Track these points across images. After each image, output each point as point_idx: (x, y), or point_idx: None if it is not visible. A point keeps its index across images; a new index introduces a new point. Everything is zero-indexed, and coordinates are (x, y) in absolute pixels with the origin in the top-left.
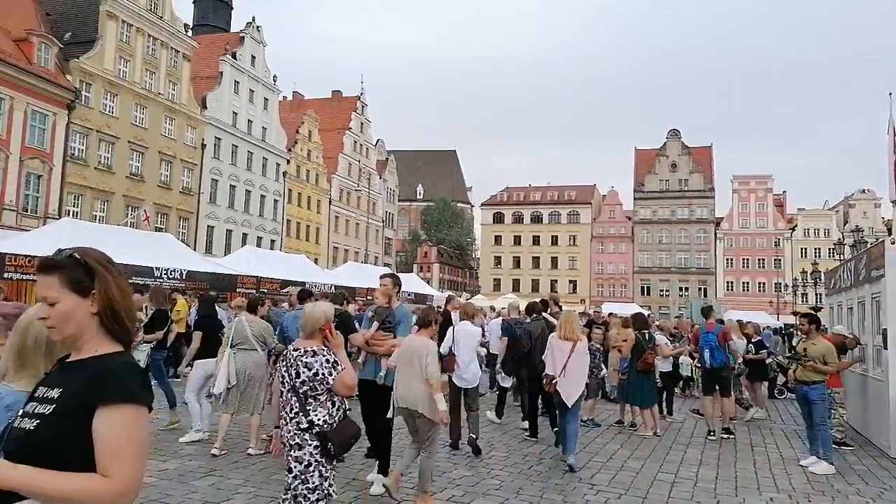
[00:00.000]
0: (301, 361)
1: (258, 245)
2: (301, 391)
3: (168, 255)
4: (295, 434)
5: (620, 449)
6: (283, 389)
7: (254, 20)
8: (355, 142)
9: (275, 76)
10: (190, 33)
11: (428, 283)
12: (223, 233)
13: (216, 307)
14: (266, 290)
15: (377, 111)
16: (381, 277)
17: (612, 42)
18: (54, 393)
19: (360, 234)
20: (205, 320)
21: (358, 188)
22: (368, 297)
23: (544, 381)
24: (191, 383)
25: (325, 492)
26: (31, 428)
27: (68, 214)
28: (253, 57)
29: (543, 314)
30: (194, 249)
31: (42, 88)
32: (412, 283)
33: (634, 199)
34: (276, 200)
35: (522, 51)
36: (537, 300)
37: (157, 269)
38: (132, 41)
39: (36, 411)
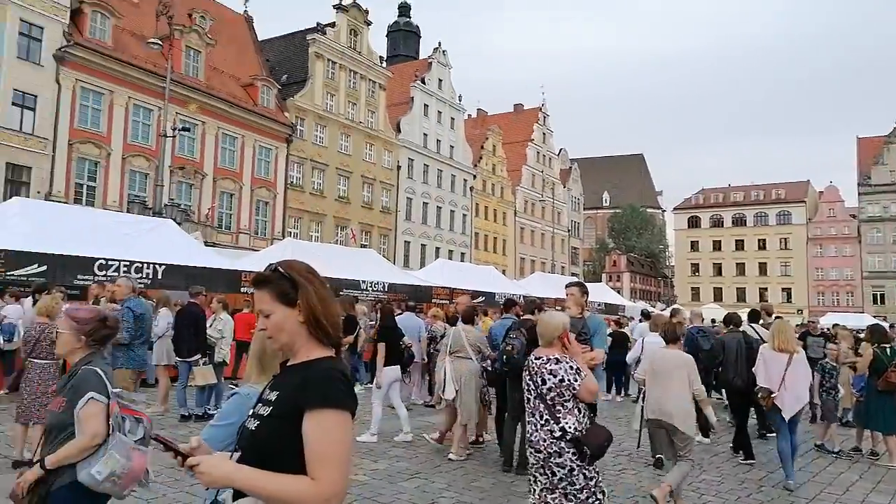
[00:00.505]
0: (545, 369)
1: (449, 258)
2: (548, 398)
3: (372, 269)
4: (550, 442)
5: (859, 480)
6: (528, 397)
7: (440, 45)
8: (538, 153)
9: (460, 96)
10: (384, 64)
11: (618, 292)
12: (418, 247)
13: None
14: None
15: (559, 121)
16: (568, 287)
17: (823, 16)
18: (272, 396)
19: (545, 244)
20: (386, 331)
21: (542, 198)
22: (558, 307)
23: (759, 396)
24: (379, 391)
25: (593, 490)
26: (253, 428)
27: (290, 235)
28: (440, 80)
29: (748, 325)
30: (394, 263)
31: (265, 126)
32: (602, 292)
33: (859, 194)
34: (464, 215)
35: (719, 42)
36: (737, 311)
37: (363, 281)
38: (336, 77)
39: (258, 412)
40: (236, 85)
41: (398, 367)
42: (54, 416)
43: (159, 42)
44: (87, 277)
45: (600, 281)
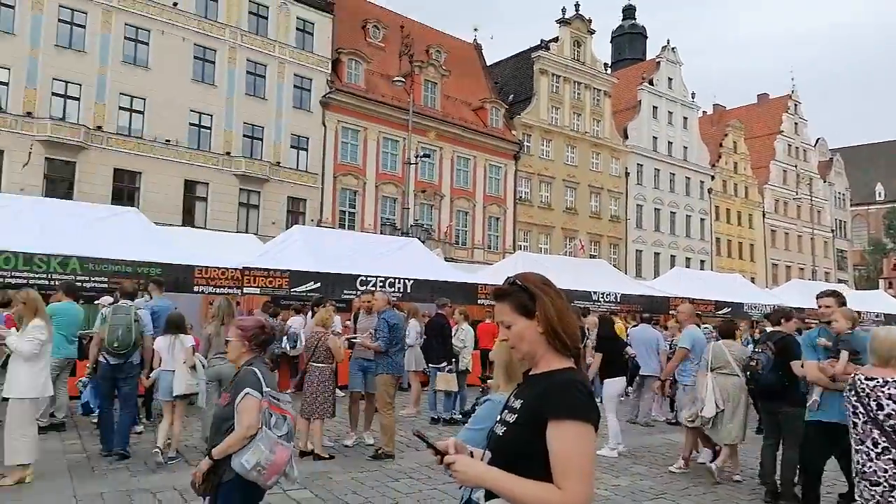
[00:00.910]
0: (882, 392)
1: (686, 266)
2: (887, 424)
3: (603, 279)
4: (894, 473)
5: None
6: (855, 422)
7: (668, 43)
8: (789, 145)
9: (693, 93)
10: (608, 71)
11: None
12: (651, 256)
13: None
14: (700, 312)
15: (814, 108)
16: (821, 297)
17: None
18: (517, 404)
19: (803, 247)
20: (604, 342)
21: (797, 196)
22: (808, 319)
23: None
24: (608, 403)
25: None
26: (501, 433)
27: (520, 248)
28: (669, 79)
29: None
30: (625, 273)
31: (494, 145)
32: (879, 302)
33: None
34: (702, 219)
35: None
36: None
37: (595, 293)
38: (560, 90)
39: (505, 419)
40: (468, 109)
41: (622, 378)
42: (220, 409)
43: (402, 79)
44: (351, 292)
45: (876, 288)
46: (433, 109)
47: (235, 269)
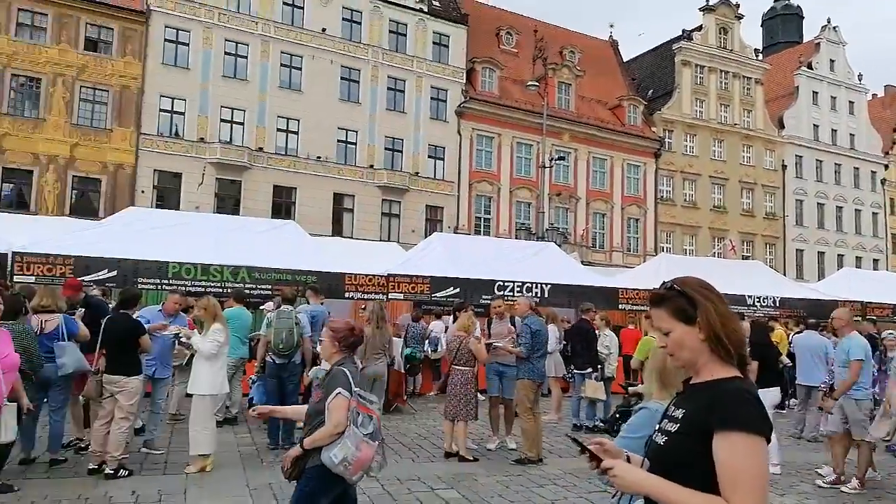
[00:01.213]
0: None
1: (857, 266)
2: None
3: (759, 282)
4: None
5: None
6: None
7: (829, 22)
8: None
9: (859, 75)
10: (760, 57)
11: None
12: (814, 256)
13: None
14: (875, 318)
15: None
16: None
17: None
18: (678, 413)
19: None
20: (757, 348)
21: None
22: None
23: None
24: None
25: None
26: (661, 443)
27: (662, 250)
28: (831, 61)
29: None
30: (784, 275)
31: (632, 144)
32: None
33: None
34: (874, 214)
35: None
36: None
37: (749, 297)
38: (705, 81)
39: (665, 428)
40: (604, 109)
41: (776, 389)
42: (312, 405)
43: (536, 83)
44: (488, 297)
45: None
46: (567, 111)
47: (381, 276)
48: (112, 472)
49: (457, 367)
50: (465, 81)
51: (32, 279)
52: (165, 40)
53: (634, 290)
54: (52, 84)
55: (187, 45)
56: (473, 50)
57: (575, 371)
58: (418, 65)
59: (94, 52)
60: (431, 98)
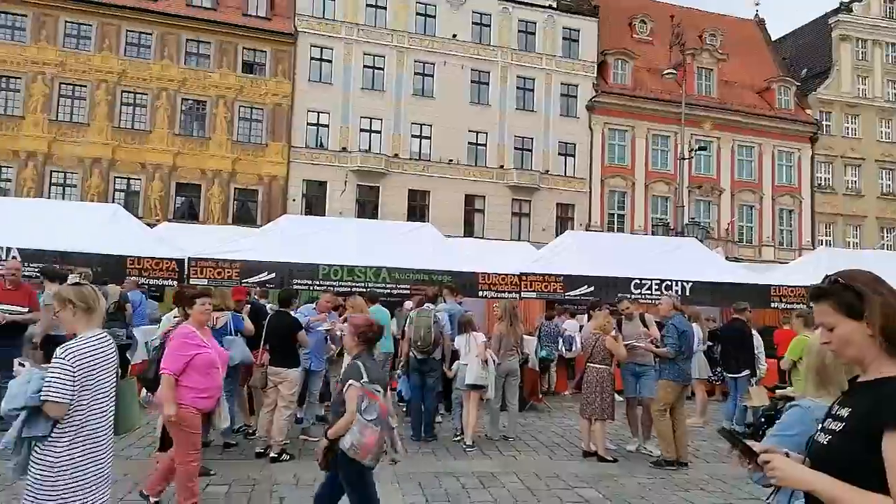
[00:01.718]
0: None
1: None
2: None
3: None
4: None
5: None
6: None
7: None
8: None
9: None
10: None
11: None
12: None
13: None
14: None
15: None
16: None
17: None
18: (844, 412)
19: None
20: None
21: None
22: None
23: None
24: None
25: None
26: (825, 442)
27: (821, 244)
28: None
29: None
30: None
31: (784, 128)
32: None
33: None
34: None
35: None
36: None
37: None
38: (868, 56)
39: (829, 427)
40: (750, 93)
41: None
42: (337, 396)
43: (674, 71)
44: (625, 295)
45: None
46: (709, 97)
47: (514, 275)
48: (276, 455)
49: (592, 364)
50: (595, 75)
51: (205, 281)
52: (311, 58)
53: (789, 286)
54: (216, 105)
55: (330, 61)
56: (605, 42)
57: (726, 374)
58: (548, 62)
59: (251, 73)
60: (561, 94)
